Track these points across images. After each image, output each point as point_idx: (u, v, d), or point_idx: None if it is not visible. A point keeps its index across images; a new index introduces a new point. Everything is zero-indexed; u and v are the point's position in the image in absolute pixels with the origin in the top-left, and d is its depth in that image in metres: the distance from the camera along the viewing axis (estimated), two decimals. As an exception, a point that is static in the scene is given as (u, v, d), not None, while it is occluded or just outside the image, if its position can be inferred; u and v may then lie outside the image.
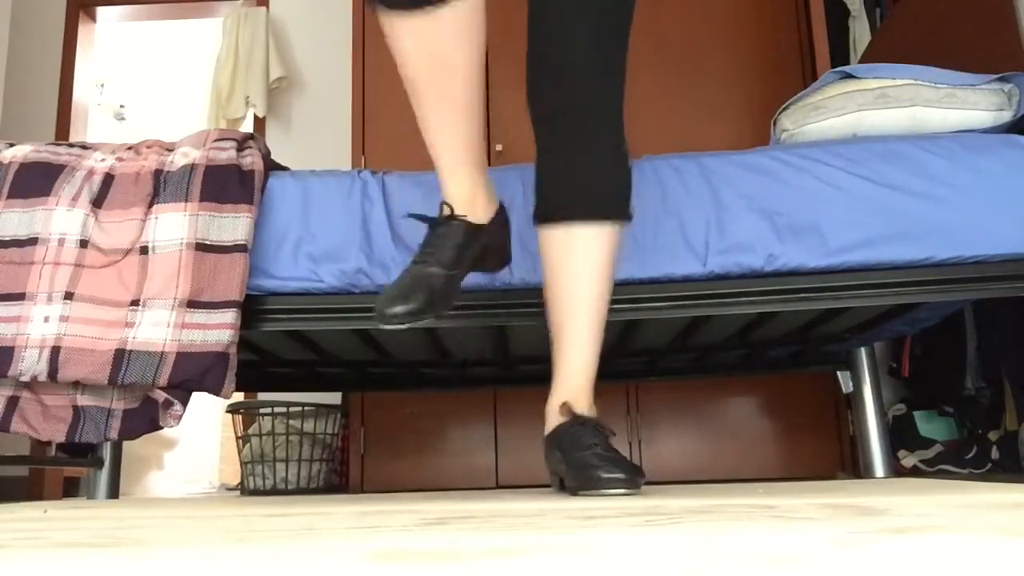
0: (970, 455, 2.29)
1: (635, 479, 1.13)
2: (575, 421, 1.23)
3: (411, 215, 1.36)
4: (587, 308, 1.29)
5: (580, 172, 1.30)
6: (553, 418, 1.27)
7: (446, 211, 1.30)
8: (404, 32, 1.19)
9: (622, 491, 1.12)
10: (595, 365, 1.30)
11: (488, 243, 1.35)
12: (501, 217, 1.39)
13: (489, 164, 3.35)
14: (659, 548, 0.46)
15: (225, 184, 1.66)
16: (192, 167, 1.69)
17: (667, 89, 3.19)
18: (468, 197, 1.30)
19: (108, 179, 1.71)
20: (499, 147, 3.12)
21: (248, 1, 4.03)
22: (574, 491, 1.17)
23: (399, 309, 1.19)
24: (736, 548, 0.44)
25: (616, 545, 0.47)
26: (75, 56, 4.08)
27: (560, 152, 1.31)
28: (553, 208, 1.31)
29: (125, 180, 1.70)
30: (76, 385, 1.63)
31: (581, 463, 1.16)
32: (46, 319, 1.56)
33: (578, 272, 1.30)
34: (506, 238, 1.42)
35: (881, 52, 2.62)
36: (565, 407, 1.24)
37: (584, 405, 1.26)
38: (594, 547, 0.47)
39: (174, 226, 1.62)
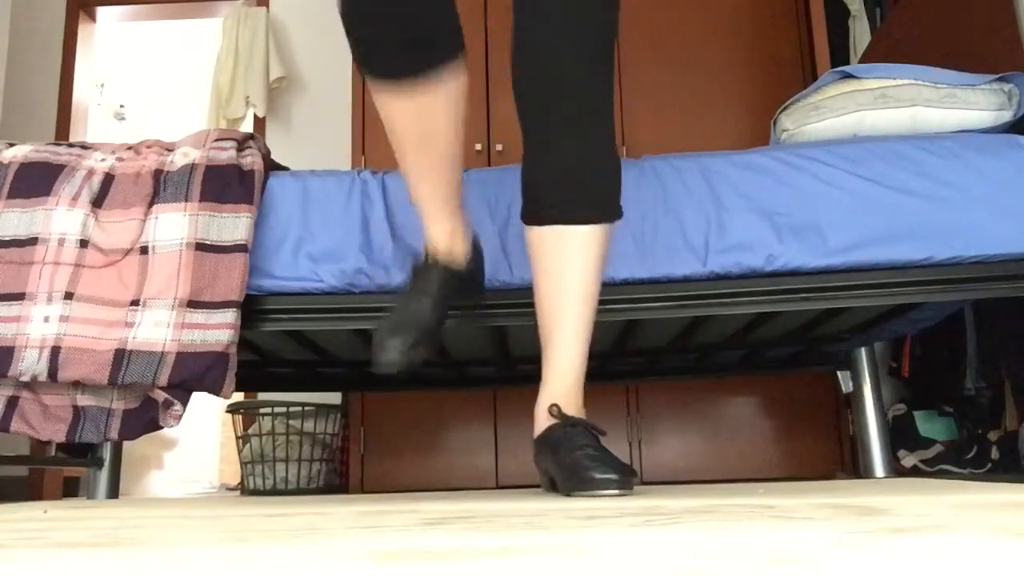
0: (970, 455, 2.29)
1: (628, 479, 1.12)
2: (566, 422, 1.22)
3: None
4: (577, 310, 1.29)
5: (573, 169, 1.29)
6: (543, 420, 1.27)
7: (431, 254, 1.38)
8: (395, 99, 1.26)
9: (615, 491, 1.11)
10: (584, 366, 1.30)
11: (465, 277, 1.43)
12: (476, 252, 1.47)
13: (489, 164, 3.34)
14: (659, 548, 0.46)
15: (225, 184, 1.66)
16: (192, 167, 1.69)
17: (667, 89, 3.19)
18: (448, 239, 1.38)
19: (108, 179, 1.71)
20: (499, 147, 3.12)
21: (248, 1, 4.03)
22: (567, 492, 1.15)
23: (396, 342, 1.25)
24: (736, 548, 0.44)
25: (616, 545, 0.47)
26: (75, 56, 4.08)
27: (551, 145, 1.28)
28: (545, 208, 1.31)
29: (125, 180, 1.70)
30: (76, 385, 1.63)
31: (573, 464, 1.15)
32: (46, 319, 1.56)
33: (569, 274, 1.30)
34: (480, 270, 1.49)
35: (881, 52, 2.62)
36: (555, 408, 1.24)
37: (574, 407, 1.25)
38: (594, 547, 0.47)
39: (174, 226, 1.63)
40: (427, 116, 1.27)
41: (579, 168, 1.29)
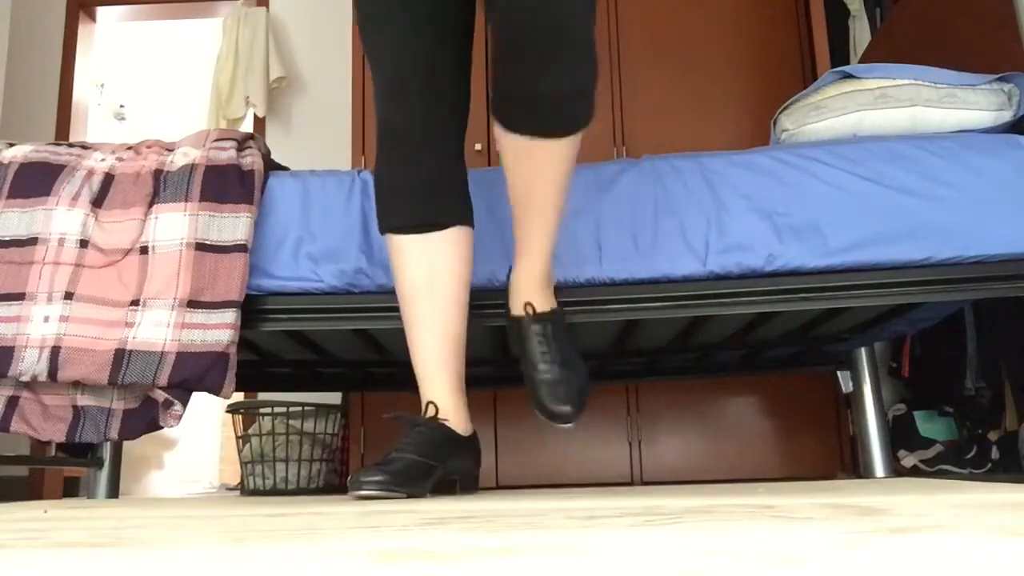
0: (970, 455, 2.29)
1: (575, 412, 1.31)
2: (534, 318, 1.37)
3: (395, 415, 1.35)
4: (550, 206, 1.33)
5: (551, 82, 1.19)
6: (516, 301, 1.40)
7: (430, 411, 1.35)
8: (410, 251, 1.39)
9: (566, 425, 1.31)
10: (553, 249, 1.39)
11: (463, 461, 1.37)
12: (476, 444, 1.43)
13: (489, 164, 3.34)
14: (659, 548, 0.46)
15: (225, 184, 1.66)
16: (192, 167, 1.69)
17: (667, 89, 3.19)
18: (451, 407, 1.36)
19: (108, 179, 1.71)
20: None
21: (248, 1, 4.03)
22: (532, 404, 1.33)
23: (371, 478, 1.19)
24: (736, 548, 0.44)
25: (616, 545, 0.47)
26: (75, 56, 4.08)
27: (529, 53, 1.19)
28: (519, 117, 1.24)
29: (125, 180, 1.70)
30: (76, 385, 1.63)
31: (533, 386, 1.34)
32: (46, 319, 1.56)
33: (544, 178, 1.30)
34: (476, 467, 1.45)
35: (881, 52, 2.62)
36: (528, 305, 1.38)
37: (544, 290, 1.39)
38: (594, 547, 0.47)
39: (174, 226, 1.63)
40: (433, 257, 1.39)
41: (559, 79, 1.20)
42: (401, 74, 1.37)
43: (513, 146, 1.28)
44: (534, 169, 1.29)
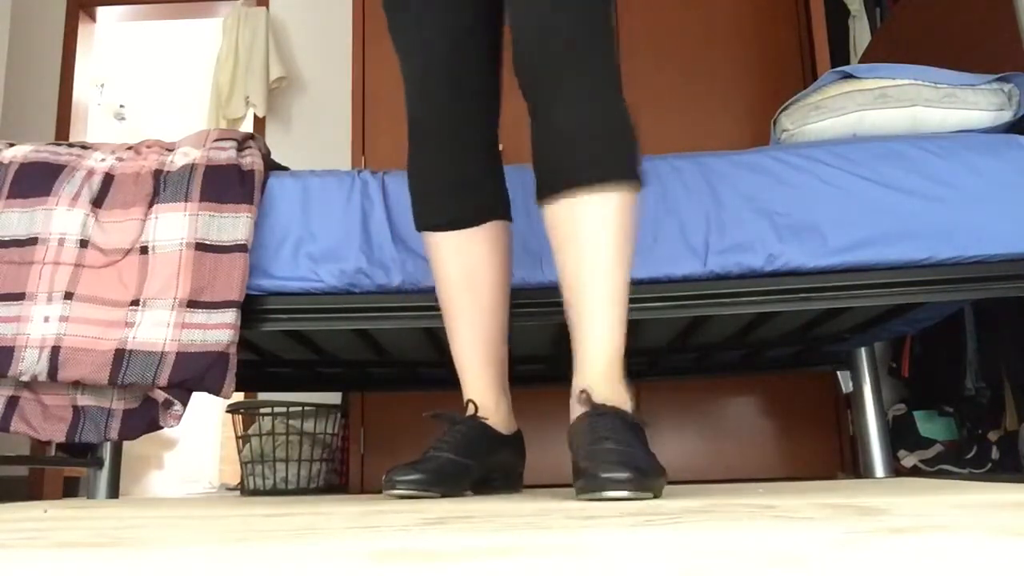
0: (970, 455, 2.29)
1: (643, 480, 0.95)
2: (593, 411, 1.08)
3: (434, 414, 1.33)
4: (602, 281, 1.15)
5: (576, 129, 1.16)
6: (574, 410, 1.13)
7: (470, 409, 1.32)
8: (446, 247, 1.36)
9: (624, 493, 0.94)
10: (620, 346, 1.15)
11: (504, 459, 1.35)
12: (519, 442, 1.40)
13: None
14: (659, 548, 0.46)
15: (225, 184, 1.66)
16: (192, 167, 1.69)
17: (667, 89, 3.19)
18: (492, 405, 1.33)
19: (108, 179, 1.71)
20: (499, 147, 3.11)
21: (248, 1, 4.03)
22: (576, 494, 1.00)
23: (406, 477, 1.18)
24: (736, 548, 0.44)
25: (616, 545, 0.47)
26: (75, 56, 4.08)
27: (551, 102, 1.17)
28: (552, 176, 1.18)
29: (125, 180, 1.70)
30: (76, 385, 1.63)
31: (583, 461, 1.00)
32: (46, 319, 1.56)
33: (587, 242, 1.15)
34: (520, 465, 1.42)
35: (881, 52, 2.62)
36: (583, 395, 1.10)
37: (606, 392, 1.11)
38: (594, 547, 0.47)
39: (174, 226, 1.63)
40: (470, 253, 1.35)
41: (583, 124, 1.17)
42: (428, 68, 1.34)
43: (551, 218, 1.18)
44: (576, 244, 1.16)
